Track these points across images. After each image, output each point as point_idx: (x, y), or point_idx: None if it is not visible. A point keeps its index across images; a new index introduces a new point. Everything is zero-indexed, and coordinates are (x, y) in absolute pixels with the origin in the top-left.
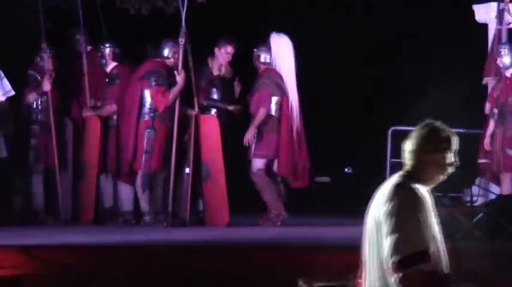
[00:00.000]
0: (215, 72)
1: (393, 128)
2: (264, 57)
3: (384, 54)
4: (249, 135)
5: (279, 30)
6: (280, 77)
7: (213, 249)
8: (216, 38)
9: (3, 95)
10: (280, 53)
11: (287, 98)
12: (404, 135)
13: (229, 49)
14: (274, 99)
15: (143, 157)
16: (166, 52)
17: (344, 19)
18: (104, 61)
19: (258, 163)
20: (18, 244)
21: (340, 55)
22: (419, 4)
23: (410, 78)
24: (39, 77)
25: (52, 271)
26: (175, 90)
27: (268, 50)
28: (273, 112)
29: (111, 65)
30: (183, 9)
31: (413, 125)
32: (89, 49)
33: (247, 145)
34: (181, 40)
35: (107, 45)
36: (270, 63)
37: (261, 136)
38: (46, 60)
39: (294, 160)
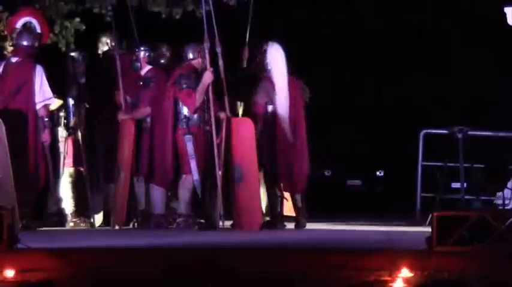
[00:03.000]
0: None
1: (425, 131)
2: (265, 65)
3: (415, 57)
4: None
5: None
6: (273, 86)
7: (245, 252)
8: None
9: (41, 101)
10: (274, 62)
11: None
12: (435, 138)
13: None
14: (270, 107)
15: (191, 162)
16: (190, 54)
17: (375, 19)
18: (138, 65)
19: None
20: (50, 247)
21: (370, 58)
22: (449, 8)
23: (441, 81)
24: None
25: (84, 274)
26: (199, 88)
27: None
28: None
29: (146, 68)
30: (204, 12)
31: (445, 127)
32: (120, 53)
33: None
34: (207, 45)
35: (142, 48)
36: (269, 71)
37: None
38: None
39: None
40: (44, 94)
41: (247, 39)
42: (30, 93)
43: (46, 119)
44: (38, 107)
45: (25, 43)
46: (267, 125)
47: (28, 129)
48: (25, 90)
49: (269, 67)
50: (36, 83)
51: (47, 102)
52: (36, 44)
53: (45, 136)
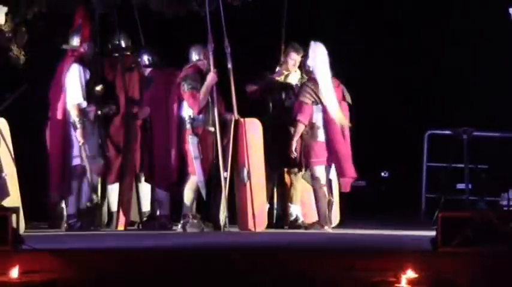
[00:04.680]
0: (280, 79)
1: (430, 131)
2: (307, 65)
3: (420, 58)
4: (291, 149)
5: (317, 34)
6: (318, 85)
7: (248, 253)
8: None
9: (70, 102)
10: (317, 61)
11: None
12: (441, 139)
13: (294, 56)
14: (316, 107)
15: (195, 163)
16: (195, 56)
17: (377, 19)
18: (139, 66)
19: (316, 171)
20: (54, 248)
21: (377, 60)
22: (454, 8)
23: (447, 82)
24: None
25: (88, 275)
26: (203, 89)
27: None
28: (314, 120)
29: (147, 70)
30: (207, 13)
31: (450, 128)
32: (123, 53)
33: (294, 157)
34: (211, 46)
35: (142, 51)
36: (312, 72)
37: (311, 145)
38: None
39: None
40: (72, 94)
41: (283, 35)
42: (60, 92)
43: (78, 119)
44: (68, 106)
45: (72, 43)
46: (316, 125)
47: (55, 128)
48: (57, 88)
49: (312, 66)
50: (67, 83)
51: (75, 102)
52: (78, 43)
53: (78, 136)
